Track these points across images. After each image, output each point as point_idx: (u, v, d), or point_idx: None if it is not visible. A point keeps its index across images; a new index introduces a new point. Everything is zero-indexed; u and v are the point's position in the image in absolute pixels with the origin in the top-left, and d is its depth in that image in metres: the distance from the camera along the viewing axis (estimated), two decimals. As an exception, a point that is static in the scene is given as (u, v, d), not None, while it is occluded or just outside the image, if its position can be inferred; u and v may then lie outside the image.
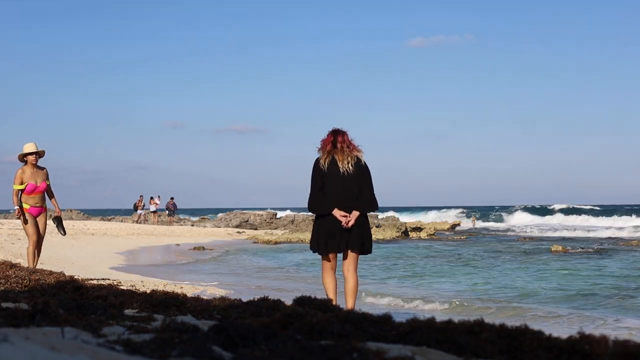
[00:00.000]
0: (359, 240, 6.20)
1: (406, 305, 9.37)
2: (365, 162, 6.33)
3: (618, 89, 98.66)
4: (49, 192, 9.32)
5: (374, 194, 6.29)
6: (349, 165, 6.21)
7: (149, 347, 2.34)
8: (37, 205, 9.18)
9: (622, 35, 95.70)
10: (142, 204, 36.54)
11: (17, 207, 9.09)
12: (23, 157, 9.08)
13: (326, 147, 6.32)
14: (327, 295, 6.19)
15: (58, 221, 9.73)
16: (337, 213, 6.13)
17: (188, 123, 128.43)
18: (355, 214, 6.15)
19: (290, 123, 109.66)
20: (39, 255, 9.35)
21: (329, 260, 6.29)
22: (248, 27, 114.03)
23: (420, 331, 2.78)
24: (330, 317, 3.02)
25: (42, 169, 9.23)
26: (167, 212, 37.42)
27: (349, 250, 6.24)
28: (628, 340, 2.48)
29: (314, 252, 6.34)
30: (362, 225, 6.23)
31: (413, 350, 2.48)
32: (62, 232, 9.83)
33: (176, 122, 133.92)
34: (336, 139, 6.31)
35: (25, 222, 9.06)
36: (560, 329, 7.28)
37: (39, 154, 9.10)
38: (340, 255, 6.40)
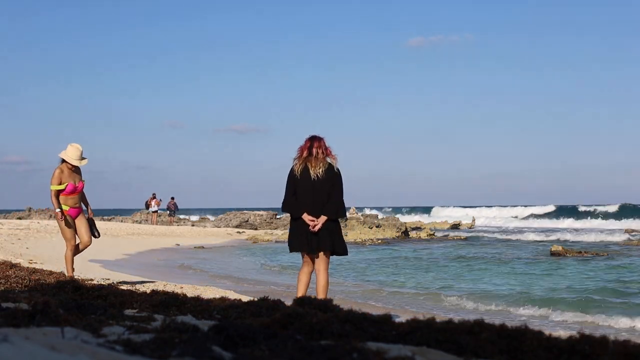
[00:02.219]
0: (329, 243, 6.57)
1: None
2: (337, 169, 6.67)
3: (619, 89, 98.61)
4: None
5: (341, 200, 6.64)
6: (320, 171, 6.56)
7: (149, 347, 2.34)
8: (76, 205, 8.77)
9: (623, 34, 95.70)
10: (153, 201, 36.42)
11: (59, 210, 8.60)
12: (63, 160, 8.66)
13: (302, 154, 6.67)
14: (297, 290, 6.69)
15: (91, 223, 9.14)
16: (306, 217, 6.54)
17: (187, 123, 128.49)
18: (323, 218, 6.52)
19: (290, 122, 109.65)
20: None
21: (306, 261, 6.72)
22: (248, 28, 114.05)
23: (420, 331, 2.78)
24: (330, 317, 3.02)
25: (78, 168, 8.82)
26: (167, 212, 37.44)
27: (321, 252, 6.63)
28: (628, 340, 2.48)
29: (290, 251, 6.77)
30: (332, 229, 6.59)
31: (413, 350, 2.48)
32: (96, 234, 9.19)
33: (176, 122, 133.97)
34: (312, 145, 6.65)
35: (68, 225, 8.64)
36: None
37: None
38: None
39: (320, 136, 6.73)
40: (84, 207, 9.04)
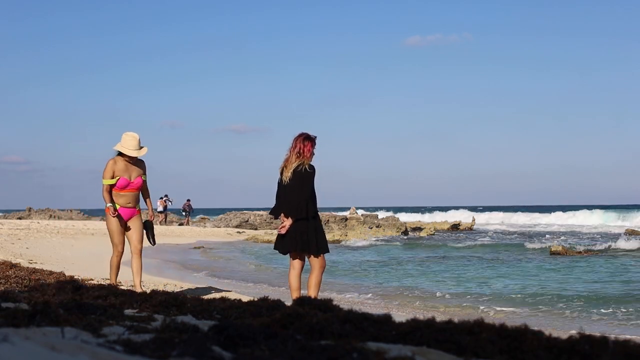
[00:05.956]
0: (300, 244, 6.69)
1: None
2: (306, 168, 6.66)
3: (619, 87, 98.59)
4: (144, 190, 7.82)
5: (300, 200, 6.64)
6: (289, 172, 6.68)
7: (149, 347, 2.34)
8: (129, 205, 7.66)
9: (623, 33, 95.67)
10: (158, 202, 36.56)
11: (110, 205, 7.51)
12: (119, 153, 7.58)
13: (288, 155, 6.78)
14: (290, 293, 6.86)
15: (148, 227, 8.05)
16: (282, 218, 6.74)
17: (187, 123, 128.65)
18: (289, 220, 6.64)
19: (289, 122, 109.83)
20: (140, 272, 7.90)
21: (292, 261, 6.87)
22: (247, 28, 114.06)
23: (420, 331, 2.78)
24: (330, 317, 3.02)
25: (140, 161, 7.70)
26: (182, 212, 38.60)
27: (304, 254, 6.82)
28: (628, 340, 2.48)
29: (274, 248, 7.01)
30: (302, 229, 6.66)
31: (413, 350, 2.48)
32: (151, 241, 8.15)
33: (175, 122, 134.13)
34: (291, 146, 6.73)
35: (115, 226, 7.65)
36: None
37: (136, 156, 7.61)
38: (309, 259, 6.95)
39: (304, 134, 6.73)
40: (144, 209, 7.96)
